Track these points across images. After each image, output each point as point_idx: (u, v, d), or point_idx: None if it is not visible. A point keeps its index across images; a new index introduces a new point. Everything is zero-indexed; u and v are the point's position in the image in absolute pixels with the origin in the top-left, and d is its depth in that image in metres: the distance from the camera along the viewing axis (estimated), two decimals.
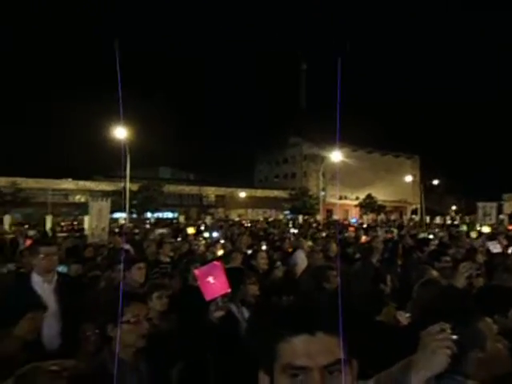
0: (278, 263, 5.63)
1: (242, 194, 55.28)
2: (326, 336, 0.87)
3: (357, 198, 57.35)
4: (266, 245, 8.52)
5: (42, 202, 41.70)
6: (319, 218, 39.37)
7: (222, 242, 9.32)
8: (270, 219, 34.10)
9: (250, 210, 56.19)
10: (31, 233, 15.64)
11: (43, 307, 2.52)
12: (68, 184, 47.61)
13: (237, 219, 37.09)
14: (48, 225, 21.62)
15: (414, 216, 51.32)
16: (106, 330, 1.99)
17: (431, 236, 10.52)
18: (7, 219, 25.09)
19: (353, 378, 0.91)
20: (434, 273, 3.82)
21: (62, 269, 4.14)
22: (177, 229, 18.04)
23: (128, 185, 24.56)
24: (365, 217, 48.91)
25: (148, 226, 22.16)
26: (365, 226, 21.21)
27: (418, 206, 50.14)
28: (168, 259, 6.39)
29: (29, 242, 6.98)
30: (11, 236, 13.60)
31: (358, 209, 54.76)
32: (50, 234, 17.23)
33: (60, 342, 2.70)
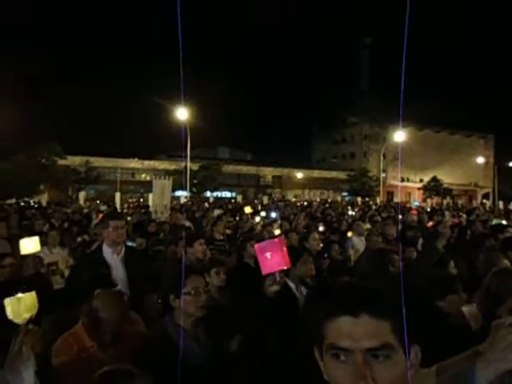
0: (334, 245, 5.56)
1: (299, 175, 54.87)
2: (372, 319, 0.85)
3: (421, 181, 54.35)
4: (323, 226, 8.42)
5: (112, 179, 44.81)
6: (379, 200, 38.01)
7: (279, 222, 9.38)
8: (328, 200, 33.59)
9: (306, 191, 55.76)
10: (102, 208, 16.90)
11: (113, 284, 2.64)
12: (135, 163, 50.46)
13: (293, 200, 37.03)
14: (117, 201, 23.19)
15: (485, 201, 47.55)
16: (169, 300, 2.11)
17: (504, 222, 9.69)
18: (82, 195, 27.31)
19: (413, 366, 0.88)
20: (506, 262, 3.53)
21: (129, 243, 4.45)
22: (234, 208, 18.45)
23: (189, 164, 25.45)
24: (429, 200, 46.28)
25: (207, 205, 22.94)
26: (428, 209, 20.06)
27: (490, 190, 46.30)
28: (222, 237, 6.57)
29: (100, 216, 7.55)
30: (86, 211, 14.82)
31: (421, 192, 51.93)
32: (119, 209, 18.49)
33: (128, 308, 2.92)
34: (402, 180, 56.95)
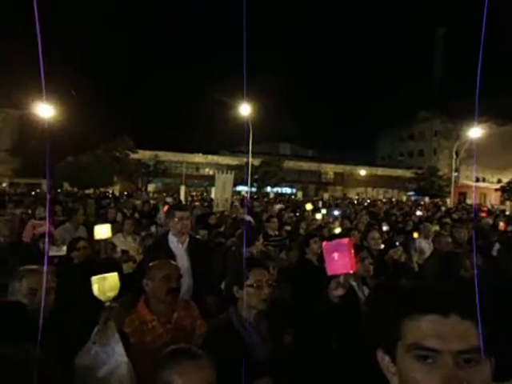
0: (397, 244, 5.31)
1: (362, 172, 53.11)
2: (461, 320, 0.79)
3: (499, 181, 49.84)
4: (387, 226, 8.08)
5: (177, 173, 46.95)
6: (449, 201, 35.55)
7: (340, 220, 9.18)
8: (393, 200, 32.14)
9: (369, 189, 53.85)
10: (169, 200, 17.79)
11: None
12: (199, 158, 52.34)
13: (355, 198, 35.99)
14: (182, 194, 24.25)
15: None
16: (232, 291, 2.18)
17: None
18: (150, 187, 28.97)
19: (488, 378, 0.80)
20: None
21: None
22: (295, 204, 18.39)
23: (250, 160, 25.82)
24: (508, 203, 42.26)
25: (267, 200, 23.12)
26: (507, 213, 18.36)
27: None
28: (276, 232, 6.61)
29: (166, 207, 7.97)
30: (153, 202, 15.70)
31: (498, 193, 47.61)
32: (184, 202, 19.32)
33: (190, 296, 3.05)
34: (477, 180, 52.69)
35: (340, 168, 56.37)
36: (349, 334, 2.24)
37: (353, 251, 1.89)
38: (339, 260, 1.85)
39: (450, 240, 5.27)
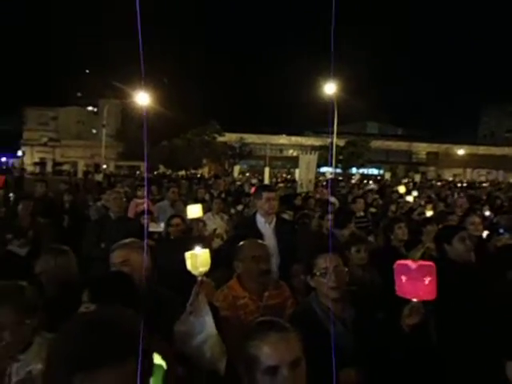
0: (502, 231, 4.73)
1: (461, 152, 48.38)
2: None
3: None
4: (490, 210, 7.27)
5: (262, 155, 47.83)
6: None
7: (434, 202, 8.52)
8: (498, 182, 28.78)
9: (468, 170, 48.88)
10: (254, 181, 18.26)
11: None
12: (283, 139, 52.54)
13: (450, 179, 33.00)
14: (266, 175, 24.67)
15: None
16: (306, 279, 2.16)
17: None
18: (236, 169, 29.95)
19: None
20: None
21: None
22: (382, 186, 17.53)
23: (335, 140, 25.13)
24: None
25: (353, 182, 22.40)
26: None
27: None
28: (362, 213, 6.36)
29: (253, 188, 8.17)
30: (238, 183, 16.26)
31: None
32: (268, 183, 19.70)
33: (278, 275, 3.10)
34: None
35: (434, 147, 51.99)
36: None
37: (429, 279, 1.61)
38: (406, 284, 1.64)
39: None
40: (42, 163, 47.05)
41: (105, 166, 30.30)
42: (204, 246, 2.01)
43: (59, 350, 0.90)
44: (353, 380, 1.77)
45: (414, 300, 1.67)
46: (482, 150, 50.98)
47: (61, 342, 0.92)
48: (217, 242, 4.87)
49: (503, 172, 46.34)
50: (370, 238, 4.99)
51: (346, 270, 2.13)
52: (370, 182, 21.42)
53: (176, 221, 4.30)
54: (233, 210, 7.85)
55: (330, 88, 22.32)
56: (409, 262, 1.69)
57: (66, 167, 42.54)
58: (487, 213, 6.77)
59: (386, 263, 3.33)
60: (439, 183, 20.90)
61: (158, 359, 1.26)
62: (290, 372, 1.25)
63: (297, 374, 1.26)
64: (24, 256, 3.64)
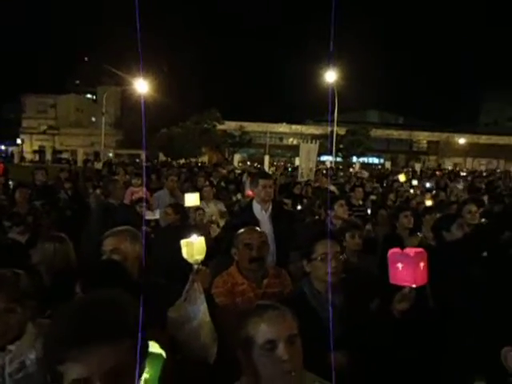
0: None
1: (461, 141, 48.16)
2: None
3: None
4: (488, 199, 7.28)
5: (262, 143, 47.65)
6: None
7: (433, 192, 8.53)
8: (497, 171, 28.73)
9: (469, 160, 48.75)
10: (254, 171, 18.24)
11: None
12: (283, 128, 52.28)
13: (450, 168, 32.97)
14: (265, 163, 24.63)
15: None
16: (303, 264, 2.18)
17: None
18: (236, 157, 29.96)
19: None
20: None
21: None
22: (382, 174, 17.52)
23: (335, 128, 25.03)
24: None
25: (351, 170, 22.37)
26: None
27: None
28: (360, 202, 6.38)
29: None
30: (238, 171, 16.24)
31: None
32: (268, 171, 19.67)
33: (274, 261, 3.13)
34: None
35: (435, 136, 51.75)
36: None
37: (423, 264, 1.69)
38: (403, 271, 1.69)
39: None
40: (41, 151, 46.98)
41: (111, 154, 30.19)
42: (202, 234, 2.01)
43: (54, 328, 0.91)
44: (344, 363, 1.80)
45: (408, 286, 1.71)
46: (483, 139, 50.76)
47: (56, 322, 0.94)
48: (213, 229, 4.89)
49: (504, 161, 46.25)
50: (368, 227, 5.00)
51: (345, 257, 2.18)
52: (363, 170, 21.43)
53: (167, 210, 4.33)
54: (234, 198, 7.88)
55: (330, 76, 22.14)
56: (405, 250, 1.74)
57: (65, 155, 42.47)
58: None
59: (385, 249, 3.37)
60: (438, 172, 20.85)
61: (156, 348, 1.28)
62: (287, 347, 1.28)
63: (294, 349, 1.30)
64: (24, 244, 3.66)
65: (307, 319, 1.66)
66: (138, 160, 31.29)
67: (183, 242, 1.89)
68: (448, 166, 41.52)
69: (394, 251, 1.74)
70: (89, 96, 57.89)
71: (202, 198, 5.86)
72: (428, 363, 2.21)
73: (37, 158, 42.73)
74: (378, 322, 1.84)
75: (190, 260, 1.87)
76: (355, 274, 2.37)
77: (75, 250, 2.77)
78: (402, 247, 1.82)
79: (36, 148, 49.24)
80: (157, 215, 4.53)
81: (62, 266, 2.51)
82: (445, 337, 2.40)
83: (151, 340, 1.08)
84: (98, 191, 6.88)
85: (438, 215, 4.19)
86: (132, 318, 0.90)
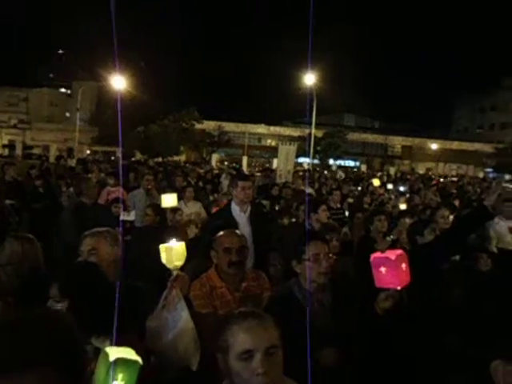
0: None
1: (434, 146, 49.61)
2: None
3: None
4: (459, 204, 7.53)
5: (240, 144, 47.54)
6: None
7: (407, 196, 8.74)
8: (464, 176, 29.77)
9: (441, 164, 50.30)
10: (233, 172, 18.17)
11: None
12: (261, 129, 52.33)
13: (422, 172, 33.91)
14: (244, 164, 24.59)
15: None
16: (292, 265, 2.18)
17: None
18: (214, 157, 29.75)
19: None
20: None
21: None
22: (358, 177, 17.82)
23: (313, 131, 25.27)
24: None
25: (326, 173, 22.65)
26: None
27: None
28: (338, 205, 6.48)
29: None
30: (216, 171, 16.14)
31: None
32: (246, 172, 19.65)
33: (252, 263, 3.11)
34: None
35: (409, 141, 53.12)
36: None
37: (404, 265, 1.73)
38: (387, 275, 1.72)
39: None
40: (10, 146, 45.21)
41: (88, 152, 29.25)
42: (179, 237, 1.96)
43: None
44: (333, 359, 1.83)
45: (393, 289, 1.75)
46: (454, 145, 52.47)
47: None
48: (191, 230, 4.84)
49: (473, 167, 47.97)
50: (345, 230, 5.07)
51: (334, 257, 2.24)
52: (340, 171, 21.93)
53: (147, 211, 4.30)
54: (211, 197, 7.82)
55: (309, 79, 22.34)
56: (386, 253, 1.76)
57: (36, 151, 41.04)
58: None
59: (363, 253, 3.43)
60: (409, 176, 21.45)
61: (132, 354, 1.23)
62: (265, 358, 1.25)
63: (272, 361, 1.27)
64: None
65: (296, 320, 1.66)
66: (113, 158, 30.60)
67: (162, 246, 1.83)
68: (420, 170, 42.68)
69: (376, 256, 1.76)
70: (63, 90, 56.15)
71: (180, 198, 5.79)
72: (407, 360, 2.27)
73: (6, 152, 41.10)
74: (364, 320, 1.87)
75: (169, 266, 1.80)
76: (334, 276, 2.40)
77: (44, 250, 2.66)
78: (374, 250, 1.85)
79: (6, 142, 47.35)
80: (132, 217, 4.42)
81: (31, 267, 2.40)
82: (421, 334, 2.48)
83: (127, 345, 1.03)
84: (71, 189, 6.68)
85: (411, 220, 4.32)
86: (60, 341, 0.84)
